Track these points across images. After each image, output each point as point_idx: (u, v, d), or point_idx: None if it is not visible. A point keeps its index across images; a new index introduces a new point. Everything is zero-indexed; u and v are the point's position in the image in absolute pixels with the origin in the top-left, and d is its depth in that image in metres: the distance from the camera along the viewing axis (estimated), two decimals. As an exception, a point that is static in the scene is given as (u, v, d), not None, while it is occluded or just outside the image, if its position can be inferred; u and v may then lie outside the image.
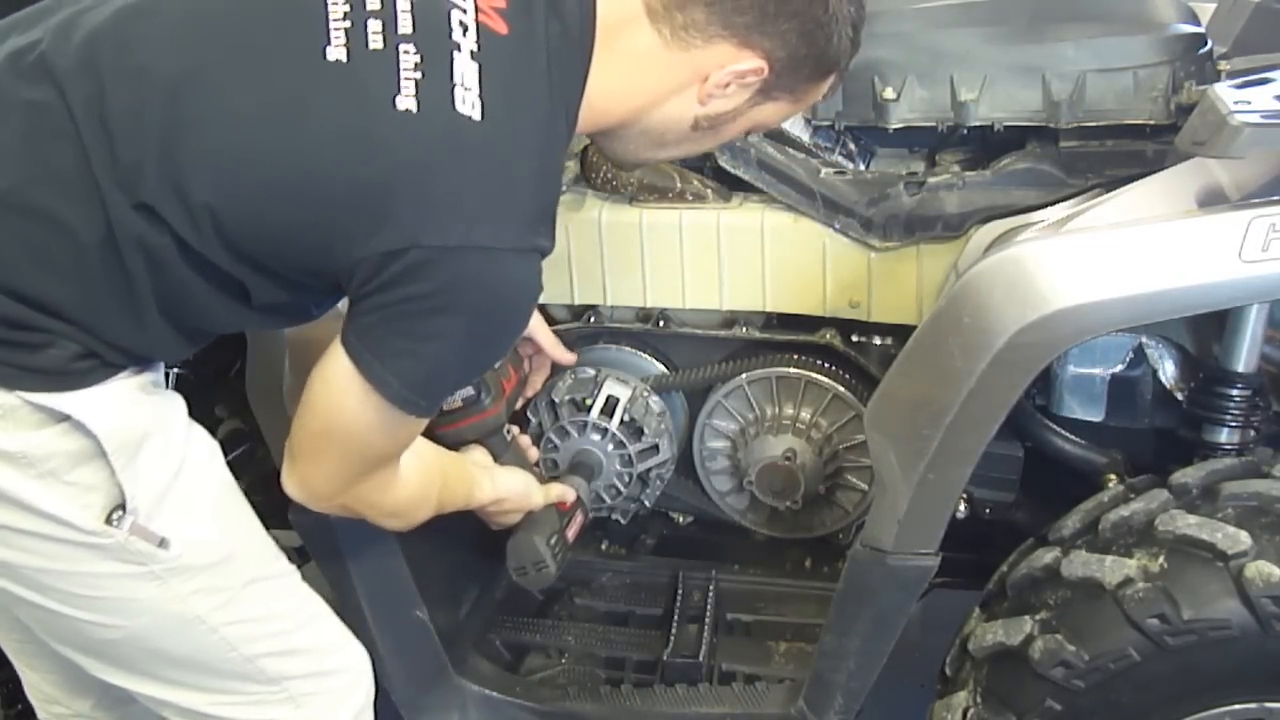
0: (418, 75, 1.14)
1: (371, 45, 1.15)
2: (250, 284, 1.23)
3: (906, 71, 1.67)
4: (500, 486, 1.63)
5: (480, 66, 1.17)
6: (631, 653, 1.93)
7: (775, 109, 1.39)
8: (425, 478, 1.46)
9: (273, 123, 1.15)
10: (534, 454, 1.80)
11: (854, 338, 1.82)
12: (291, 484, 1.34)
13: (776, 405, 1.87)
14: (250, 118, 1.15)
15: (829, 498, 1.92)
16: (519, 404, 1.82)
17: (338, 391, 1.24)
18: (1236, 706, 1.41)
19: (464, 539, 1.99)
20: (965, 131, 1.70)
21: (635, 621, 2.00)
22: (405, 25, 1.17)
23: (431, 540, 1.79)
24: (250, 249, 1.19)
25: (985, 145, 1.74)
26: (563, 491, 1.73)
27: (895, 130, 1.70)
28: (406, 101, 1.13)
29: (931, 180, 1.67)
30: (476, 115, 1.15)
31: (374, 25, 1.16)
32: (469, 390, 1.61)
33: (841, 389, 1.82)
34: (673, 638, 1.90)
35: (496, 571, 2.07)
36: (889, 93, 1.67)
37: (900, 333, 1.68)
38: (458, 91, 1.15)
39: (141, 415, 1.26)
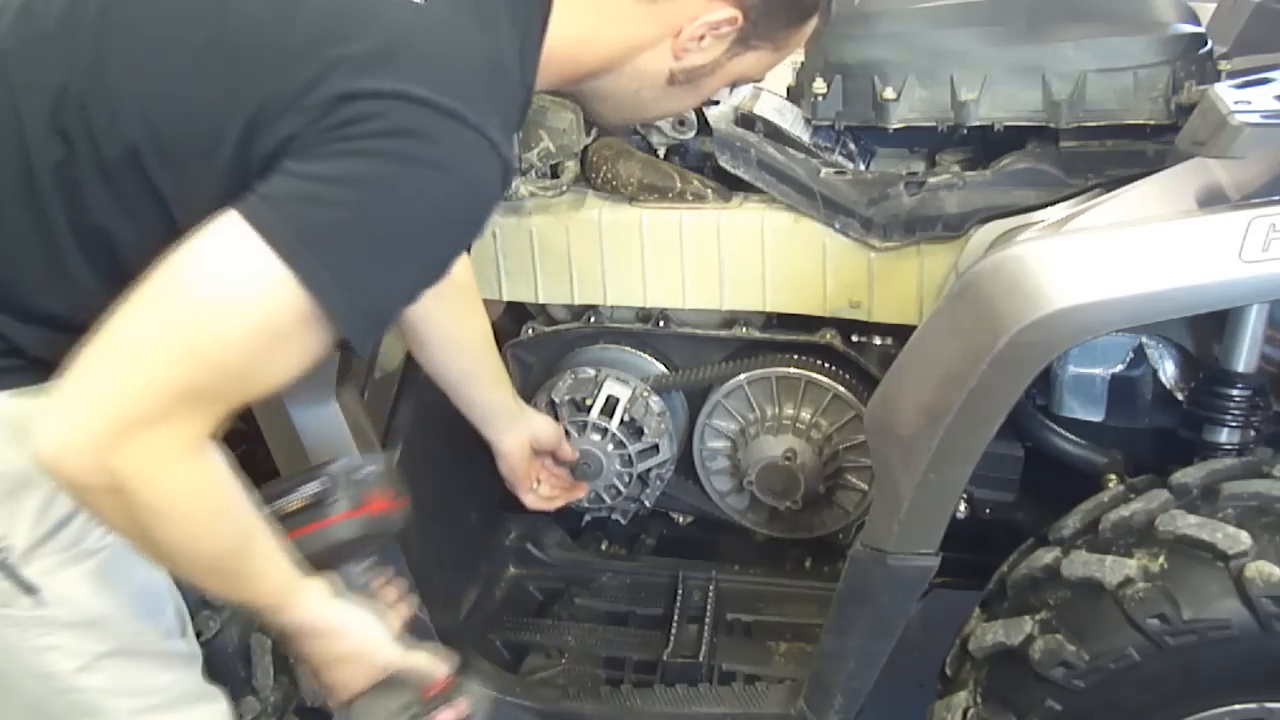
0: None
1: None
2: (180, 208, 1.08)
3: (906, 71, 1.67)
4: (336, 613, 1.24)
5: None
6: (631, 653, 1.93)
7: (757, 59, 1.32)
8: (242, 501, 1.14)
9: (204, 15, 1.08)
10: (402, 615, 1.38)
11: (854, 338, 1.82)
12: (63, 417, 1.01)
13: (776, 405, 1.87)
14: (181, 15, 1.09)
15: (829, 498, 1.92)
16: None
17: (210, 257, 1.01)
18: (1236, 706, 1.41)
19: (464, 539, 1.99)
20: (965, 131, 1.70)
21: (635, 621, 2.00)
22: None
23: (431, 540, 1.80)
24: (181, 150, 1.08)
25: (985, 145, 1.74)
26: (432, 664, 1.32)
27: (895, 130, 1.70)
28: None
29: (931, 180, 1.67)
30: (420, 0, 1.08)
31: None
32: (316, 485, 1.28)
33: (841, 389, 1.82)
34: (673, 638, 1.89)
35: (496, 571, 2.07)
36: (889, 93, 1.67)
37: (900, 333, 1.67)
38: None
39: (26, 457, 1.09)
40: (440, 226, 1.08)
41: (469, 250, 1.29)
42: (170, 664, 1.34)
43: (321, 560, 1.25)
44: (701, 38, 1.25)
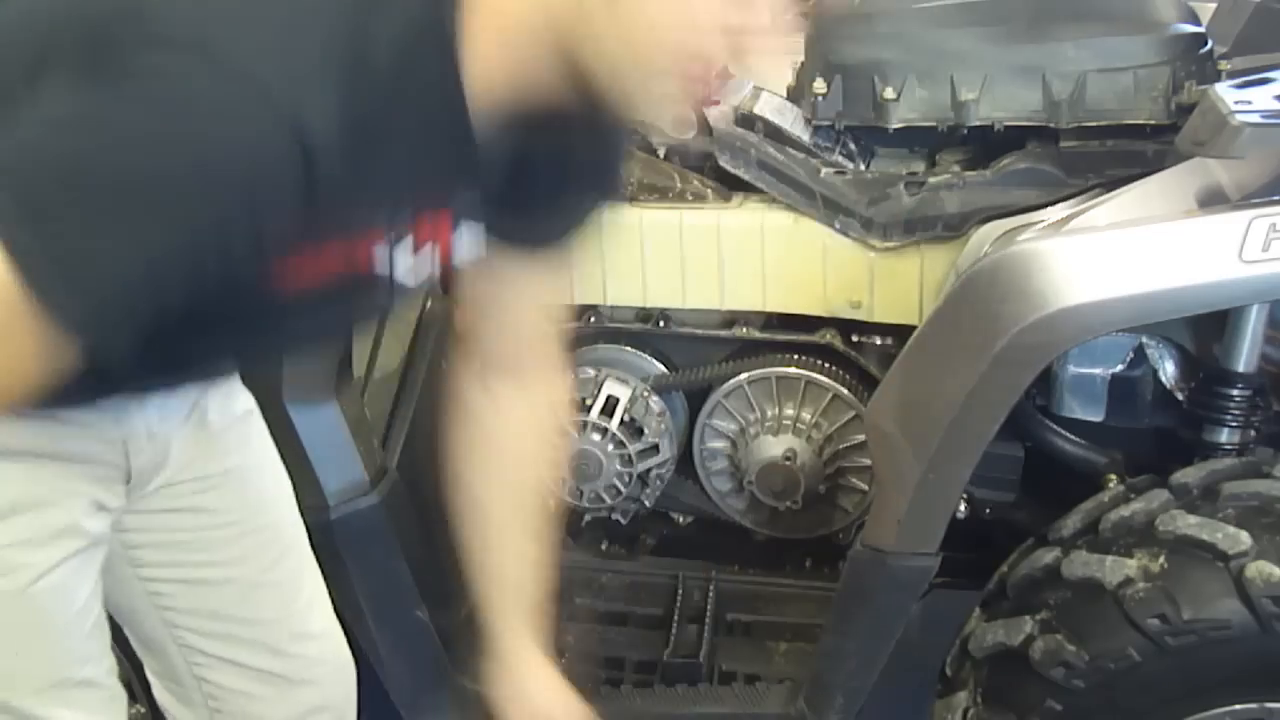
0: None
1: None
2: None
3: (906, 71, 1.67)
4: None
5: None
6: (631, 653, 1.93)
7: None
8: None
9: None
10: None
11: (854, 338, 1.82)
12: None
13: (776, 405, 1.87)
14: None
15: (829, 498, 1.92)
16: None
17: None
18: (1236, 706, 1.41)
19: (464, 539, 1.99)
20: (965, 131, 1.70)
21: (635, 621, 2.00)
22: None
23: (432, 540, 1.79)
24: None
25: (985, 145, 1.74)
26: None
27: (895, 130, 1.70)
28: None
29: (931, 180, 1.67)
30: None
31: None
32: None
33: (841, 389, 1.82)
34: (673, 638, 1.89)
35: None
36: (889, 93, 1.67)
37: (901, 333, 1.68)
38: None
39: None
40: (163, 175, 0.84)
41: (262, 250, 0.90)
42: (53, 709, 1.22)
43: None
44: None
